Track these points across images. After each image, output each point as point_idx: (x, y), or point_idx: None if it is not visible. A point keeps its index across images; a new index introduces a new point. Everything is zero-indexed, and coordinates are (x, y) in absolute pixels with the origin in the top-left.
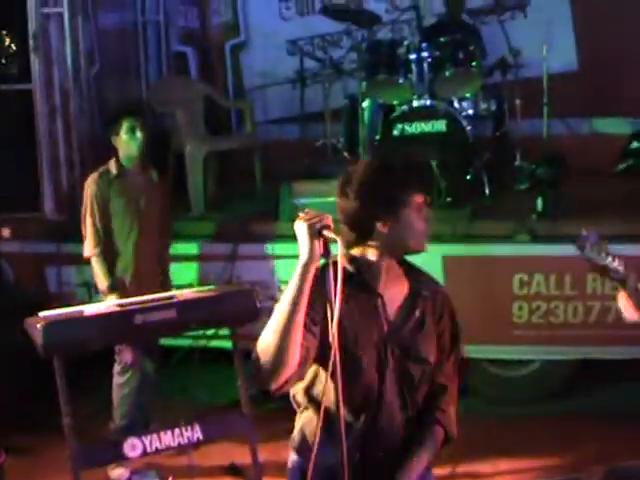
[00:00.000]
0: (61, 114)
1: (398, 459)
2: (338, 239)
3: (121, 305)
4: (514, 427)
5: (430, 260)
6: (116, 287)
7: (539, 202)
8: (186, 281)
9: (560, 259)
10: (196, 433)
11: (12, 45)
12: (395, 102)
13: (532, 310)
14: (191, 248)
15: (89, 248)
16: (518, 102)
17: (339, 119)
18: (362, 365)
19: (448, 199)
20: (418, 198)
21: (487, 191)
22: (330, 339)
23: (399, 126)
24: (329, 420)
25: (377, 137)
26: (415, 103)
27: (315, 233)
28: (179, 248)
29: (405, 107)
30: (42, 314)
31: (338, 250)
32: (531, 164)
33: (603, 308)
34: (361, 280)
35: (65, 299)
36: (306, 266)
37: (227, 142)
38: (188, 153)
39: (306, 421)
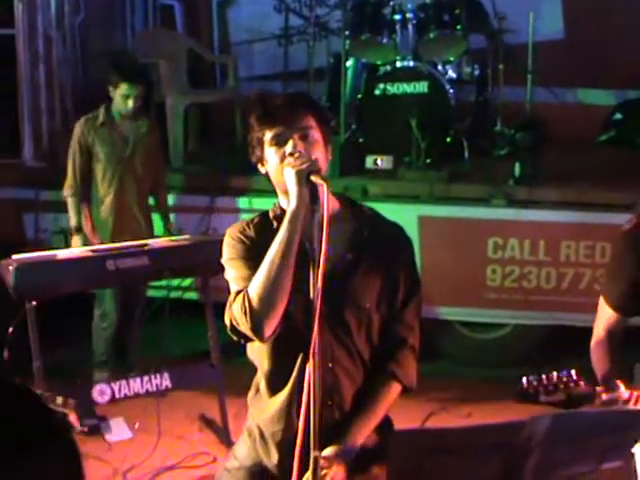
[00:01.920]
0: (44, 61)
1: (353, 411)
2: (325, 184)
3: (94, 250)
4: (483, 391)
5: (406, 220)
6: (81, 229)
7: (517, 167)
8: (162, 231)
9: (535, 224)
10: (165, 381)
11: None
12: (378, 62)
13: (505, 274)
14: (168, 199)
15: (66, 187)
16: (501, 68)
17: (322, 78)
18: (289, 311)
19: (427, 160)
20: (269, 133)
21: (466, 155)
22: None
23: (381, 86)
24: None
25: (359, 96)
26: (398, 64)
27: (303, 179)
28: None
29: (388, 67)
30: (15, 257)
31: (324, 197)
32: (510, 129)
33: (576, 275)
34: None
35: (42, 246)
36: (295, 212)
37: (209, 95)
38: (169, 104)
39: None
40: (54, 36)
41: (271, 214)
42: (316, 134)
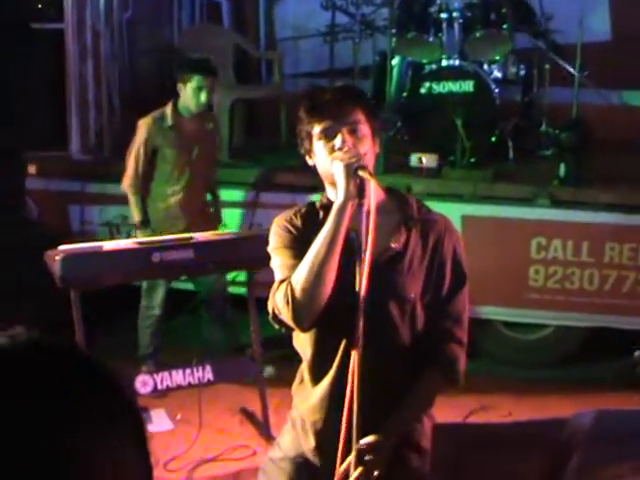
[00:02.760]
0: (92, 56)
1: (396, 402)
2: (372, 180)
3: (140, 243)
4: (524, 391)
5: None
6: (148, 224)
7: (562, 168)
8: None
9: (579, 225)
10: (207, 374)
11: None
12: (424, 60)
13: (548, 275)
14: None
15: (126, 183)
16: (547, 68)
17: (368, 76)
18: (332, 301)
19: (471, 160)
20: (317, 126)
21: (511, 155)
22: None
23: (427, 84)
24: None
25: (404, 94)
26: (444, 62)
27: (351, 173)
28: None
29: (434, 66)
30: (61, 247)
31: (371, 191)
32: (555, 130)
33: (619, 277)
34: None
35: (87, 237)
36: (342, 206)
37: (254, 91)
38: (216, 100)
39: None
40: (102, 31)
41: (318, 205)
42: (365, 128)
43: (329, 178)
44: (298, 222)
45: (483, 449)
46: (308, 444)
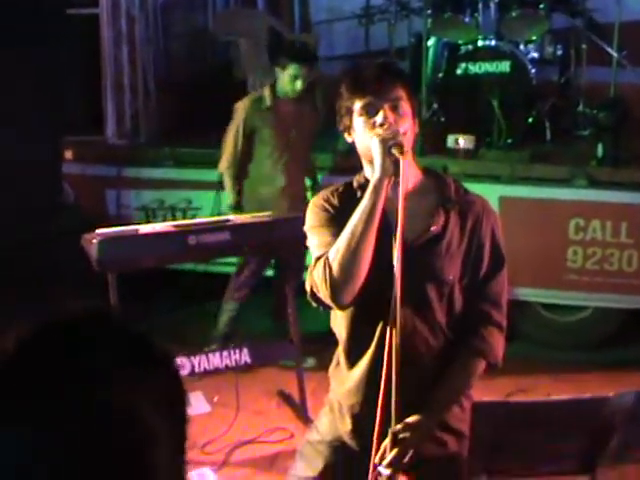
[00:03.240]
0: (126, 41)
1: (434, 384)
2: (401, 159)
3: (176, 226)
4: (562, 373)
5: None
6: (240, 207)
7: (599, 148)
8: None
9: (617, 206)
10: (244, 357)
11: None
12: (460, 41)
13: (587, 256)
14: None
15: (223, 165)
16: (584, 47)
17: (404, 57)
18: (369, 282)
19: (508, 140)
20: (359, 102)
21: (548, 135)
22: None
23: (462, 65)
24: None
25: (440, 75)
26: (480, 43)
27: (387, 150)
28: None
29: (470, 46)
30: (98, 231)
31: (401, 170)
32: (593, 110)
33: None
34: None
35: (123, 222)
36: (378, 183)
37: None
38: (250, 82)
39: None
40: (137, 16)
41: (355, 183)
42: (405, 105)
43: (367, 156)
44: (335, 201)
45: (521, 428)
46: (345, 427)
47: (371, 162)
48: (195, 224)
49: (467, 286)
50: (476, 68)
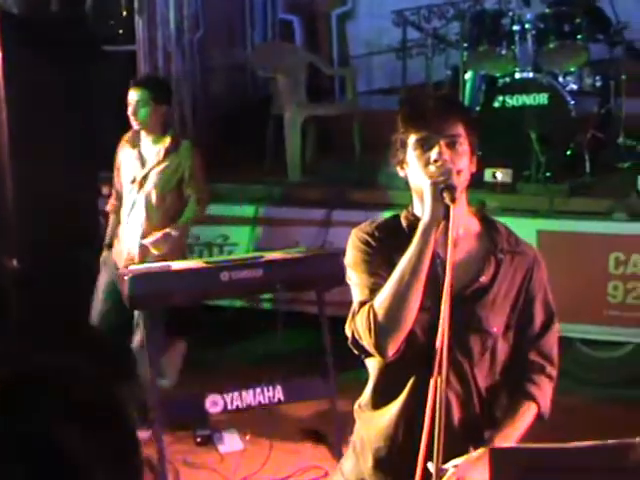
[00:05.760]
0: (163, 76)
1: (470, 435)
2: (451, 205)
3: (208, 262)
4: (601, 410)
5: (524, 234)
6: (110, 245)
7: (639, 181)
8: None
9: None
10: (277, 394)
11: (122, 9)
12: (497, 74)
13: (627, 290)
14: (285, 212)
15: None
16: (624, 78)
17: (441, 90)
18: (412, 328)
19: (547, 174)
20: (414, 135)
21: (587, 168)
22: None
23: (500, 98)
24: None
25: (478, 108)
26: (517, 75)
27: (438, 193)
28: (274, 212)
29: (507, 79)
30: (132, 267)
31: (451, 218)
32: (633, 141)
33: None
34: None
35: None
36: (427, 227)
37: (327, 108)
38: (287, 117)
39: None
40: (173, 51)
41: (404, 221)
42: (464, 143)
43: (419, 192)
44: (379, 235)
45: (547, 475)
46: (368, 470)
47: (422, 199)
48: (228, 260)
49: (518, 340)
50: (514, 101)
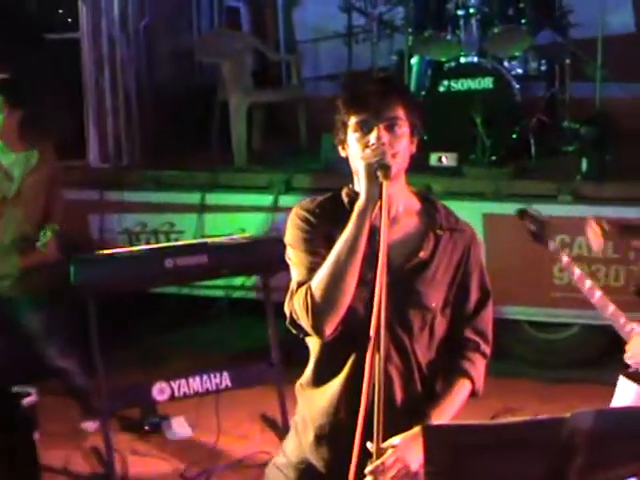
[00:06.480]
0: (108, 64)
1: (412, 411)
2: (384, 184)
3: (153, 249)
4: (549, 392)
5: (470, 217)
6: None
7: (584, 163)
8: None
9: None
10: (225, 380)
11: None
12: (443, 59)
13: None
14: (232, 199)
15: None
16: (569, 63)
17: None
18: (351, 305)
19: (492, 157)
20: (354, 118)
21: (533, 152)
22: None
23: (445, 82)
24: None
25: (423, 93)
26: (462, 60)
27: (372, 174)
28: (220, 198)
29: (452, 63)
30: (77, 255)
31: (384, 195)
32: (577, 124)
33: None
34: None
35: (107, 246)
36: (363, 208)
37: (273, 95)
38: (232, 104)
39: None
40: (118, 38)
41: (345, 197)
42: (403, 126)
43: (357, 173)
44: (319, 212)
45: (481, 451)
46: (311, 448)
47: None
48: (172, 246)
49: (454, 316)
50: (459, 85)
